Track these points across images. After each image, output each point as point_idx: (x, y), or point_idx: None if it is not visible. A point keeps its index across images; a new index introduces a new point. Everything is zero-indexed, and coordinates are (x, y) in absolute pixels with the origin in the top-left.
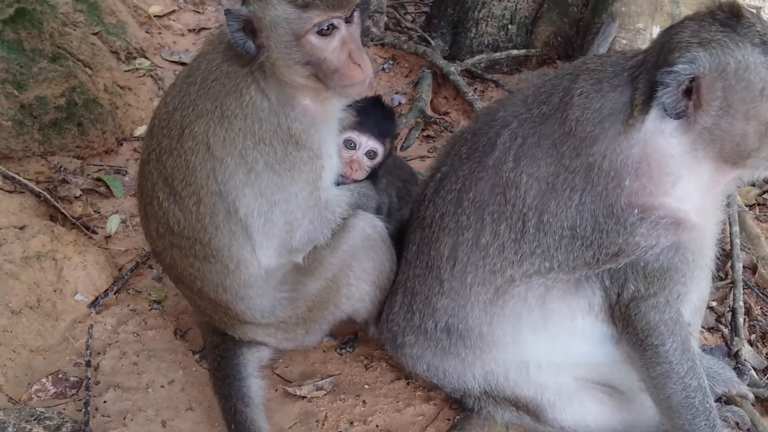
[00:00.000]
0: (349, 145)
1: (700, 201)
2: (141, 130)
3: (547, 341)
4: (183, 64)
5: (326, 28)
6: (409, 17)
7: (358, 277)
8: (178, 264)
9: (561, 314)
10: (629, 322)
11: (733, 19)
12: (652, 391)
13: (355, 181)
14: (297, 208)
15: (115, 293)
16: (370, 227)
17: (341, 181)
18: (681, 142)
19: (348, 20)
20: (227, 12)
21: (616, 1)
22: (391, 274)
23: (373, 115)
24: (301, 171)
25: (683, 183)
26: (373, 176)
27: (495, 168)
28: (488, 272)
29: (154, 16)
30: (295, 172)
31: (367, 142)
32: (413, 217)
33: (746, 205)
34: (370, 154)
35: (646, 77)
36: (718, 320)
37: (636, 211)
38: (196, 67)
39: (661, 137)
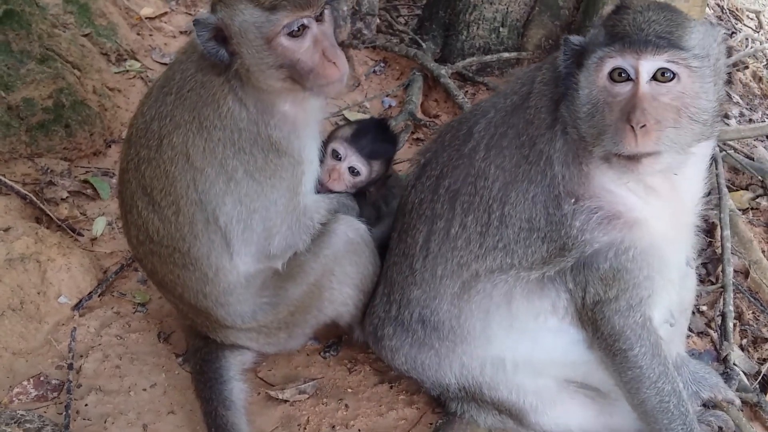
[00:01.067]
0: (335, 155)
1: (642, 198)
2: None
3: (518, 339)
4: None
5: (297, 29)
6: (401, 20)
7: (341, 282)
8: (159, 270)
9: (527, 313)
10: (597, 326)
11: None
12: (627, 396)
13: (332, 191)
14: (276, 215)
15: (99, 296)
16: (352, 231)
17: (319, 189)
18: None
19: (318, 18)
20: (196, 22)
21: (608, 4)
22: (374, 278)
23: (369, 134)
24: (282, 178)
25: (603, 173)
26: (359, 195)
27: (469, 156)
28: (456, 265)
29: (146, 18)
30: (275, 179)
31: (350, 157)
32: (400, 204)
33: (739, 209)
34: (352, 171)
35: None
36: (707, 324)
37: (572, 200)
38: (171, 77)
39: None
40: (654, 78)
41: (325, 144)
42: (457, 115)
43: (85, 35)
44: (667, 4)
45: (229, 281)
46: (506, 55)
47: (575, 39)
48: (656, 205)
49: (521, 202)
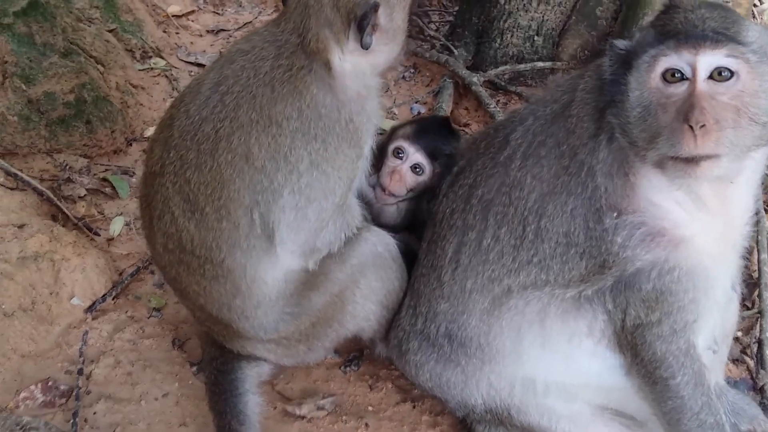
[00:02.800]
0: (397, 153)
1: (690, 214)
2: (152, 131)
3: (550, 360)
4: (199, 65)
5: None
6: (433, 26)
7: (365, 296)
8: (183, 280)
9: (561, 334)
10: (636, 352)
11: None
12: (666, 427)
13: (392, 195)
14: (331, 207)
15: (113, 298)
16: (381, 244)
17: (377, 193)
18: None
19: None
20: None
21: (647, 15)
22: (400, 295)
23: (432, 131)
24: (346, 169)
25: (649, 186)
26: (415, 199)
27: (505, 165)
28: (487, 279)
29: (173, 16)
30: (341, 171)
31: (414, 155)
32: (432, 212)
33: None
34: (416, 169)
35: None
36: (743, 351)
37: (615, 214)
38: (230, 76)
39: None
40: (711, 77)
41: (385, 145)
42: (488, 124)
43: (111, 30)
44: (717, 2)
45: (262, 293)
46: (540, 64)
47: (621, 43)
48: (704, 221)
49: (559, 215)
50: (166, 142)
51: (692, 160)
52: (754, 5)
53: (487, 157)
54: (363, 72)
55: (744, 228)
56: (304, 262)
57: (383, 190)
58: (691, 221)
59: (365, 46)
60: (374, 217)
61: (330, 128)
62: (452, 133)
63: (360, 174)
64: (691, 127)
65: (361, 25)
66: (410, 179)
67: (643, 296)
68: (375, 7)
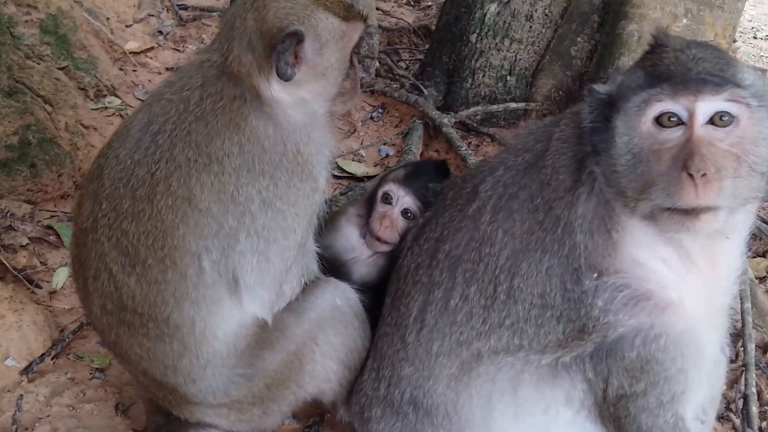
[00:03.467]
0: (386, 199)
1: (678, 275)
2: None
3: None
4: None
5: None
6: (402, 64)
7: (324, 353)
8: (124, 343)
9: (536, 404)
10: (620, 425)
11: None
12: None
13: (385, 243)
14: (293, 246)
15: (52, 358)
16: (341, 297)
17: (369, 242)
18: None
19: None
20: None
21: (624, 55)
22: (363, 353)
23: (424, 174)
24: (303, 206)
25: (634, 245)
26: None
27: (474, 219)
28: (455, 342)
29: (130, 53)
30: (297, 207)
31: (403, 199)
32: (395, 265)
33: (757, 278)
34: (407, 214)
35: None
36: (728, 407)
37: (594, 275)
38: (159, 113)
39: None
40: (709, 122)
41: (374, 192)
42: (460, 167)
43: (62, 68)
44: (706, 42)
45: (213, 349)
46: (513, 105)
47: (602, 88)
48: (693, 283)
49: (533, 275)
50: (97, 193)
51: (691, 212)
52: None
53: (455, 209)
54: (303, 100)
55: (732, 288)
56: (268, 311)
57: (374, 237)
58: (679, 282)
59: (282, 76)
60: (349, 275)
61: (277, 162)
62: (448, 177)
63: (318, 210)
64: (690, 175)
65: (278, 51)
66: (401, 224)
67: (627, 365)
68: (298, 37)
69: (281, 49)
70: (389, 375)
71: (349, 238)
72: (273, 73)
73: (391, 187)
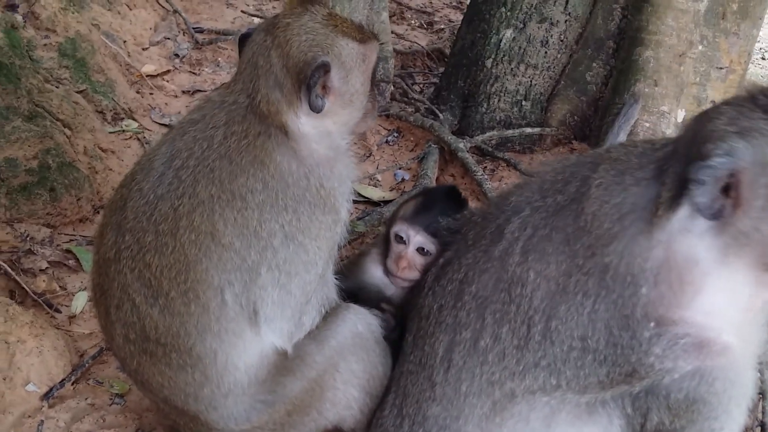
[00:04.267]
0: (399, 239)
1: (735, 318)
2: None
3: None
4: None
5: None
6: (417, 88)
7: (346, 381)
8: (146, 371)
9: None
10: None
11: None
12: None
13: (403, 280)
14: (314, 279)
15: (72, 383)
16: (362, 324)
17: (392, 280)
18: (710, 246)
19: None
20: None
21: (639, 81)
22: (384, 380)
23: (433, 206)
24: (324, 238)
25: (709, 295)
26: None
27: (501, 260)
28: (485, 382)
29: (147, 76)
30: (319, 240)
31: (415, 238)
32: (413, 303)
33: None
34: (422, 251)
35: (676, 171)
36: None
37: (652, 324)
38: (183, 148)
39: (686, 238)
40: None
41: (388, 229)
42: (475, 192)
43: (80, 92)
44: None
45: (234, 379)
46: (529, 130)
47: (721, 161)
48: (746, 325)
49: (573, 318)
50: (120, 225)
51: None
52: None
53: (479, 250)
54: (327, 133)
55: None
56: (287, 342)
57: (395, 277)
58: (736, 327)
59: (315, 109)
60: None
61: (300, 197)
62: (460, 203)
63: (339, 240)
64: None
65: (309, 85)
66: (418, 262)
67: (671, 403)
68: (325, 68)
69: (312, 82)
70: (413, 413)
71: (377, 278)
72: (302, 107)
73: (401, 227)
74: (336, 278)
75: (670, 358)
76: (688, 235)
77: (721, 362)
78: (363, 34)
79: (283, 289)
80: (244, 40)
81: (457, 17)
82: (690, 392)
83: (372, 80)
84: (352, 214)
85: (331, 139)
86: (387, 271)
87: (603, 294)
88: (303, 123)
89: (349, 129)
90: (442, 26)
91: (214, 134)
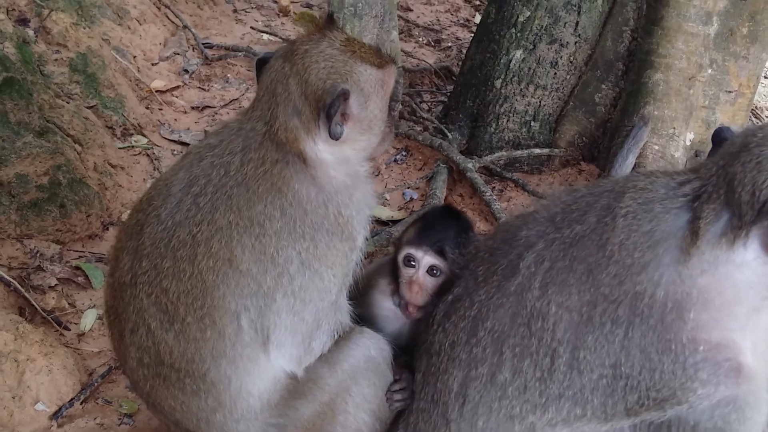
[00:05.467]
0: (409, 262)
1: (762, 344)
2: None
3: None
4: (183, 143)
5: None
6: (425, 106)
7: (357, 405)
8: (159, 395)
9: None
10: None
11: None
12: None
13: (416, 307)
14: (327, 306)
15: (81, 403)
16: (375, 349)
17: (404, 310)
18: (761, 273)
19: None
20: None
21: (649, 104)
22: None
23: (434, 225)
24: (340, 266)
25: (751, 319)
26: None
27: (517, 295)
28: (504, 417)
29: (156, 91)
30: (335, 268)
31: (425, 258)
32: (420, 340)
33: None
34: (433, 271)
35: (715, 207)
36: None
37: (702, 348)
38: (200, 175)
39: (735, 266)
40: None
41: (395, 257)
42: (484, 212)
43: (90, 107)
44: None
45: (247, 405)
46: (537, 150)
47: None
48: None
49: (603, 346)
50: (137, 250)
51: None
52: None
53: (491, 286)
54: (346, 159)
55: None
56: (297, 366)
57: (408, 304)
58: (763, 351)
59: (334, 137)
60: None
61: (318, 224)
62: (457, 219)
63: (354, 267)
64: None
65: (329, 114)
66: (430, 284)
67: (692, 429)
68: (344, 95)
69: (333, 111)
70: None
71: (387, 309)
72: (320, 135)
73: (409, 251)
74: (350, 303)
75: (713, 383)
76: (736, 262)
77: (750, 387)
78: (381, 59)
79: (296, 316)
80: (261, 64)
81: (465, 35)
82: (718, 420)
83: (390, 104)
84: (367, 239)
85: (349, 166)
86: (397, 302)
87: (637, 321)
88: (321, 150)
89: (367, 154)
90: (450, 44)
91: (230, 161)
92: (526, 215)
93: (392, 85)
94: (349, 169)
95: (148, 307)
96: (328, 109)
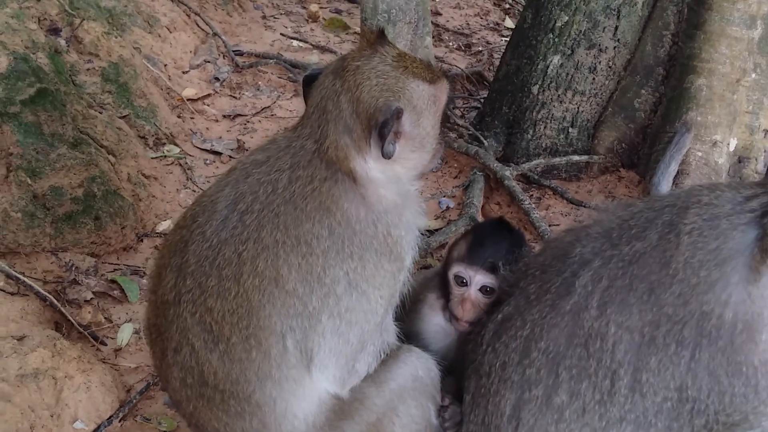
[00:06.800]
0: (460, 282)
1: None
2: (164, 225)
3: None
4: (215, 152)
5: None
6: (457, 112)
7: (404, 425)
8: (202, 416)
9: None
10: None
11: None
12: None
13: (467, 323)
14: (372, 328)
15: (120, 420)
16: (423, 369)
17: (456, 324)
18: None
19: None
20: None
21: (691, 109)
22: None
23: (486, 241)
24: (387, 287)
25: None
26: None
27: (573, 315)
28: None
29: (188, 100)
30: (383, 289)
31: (476, 278)
32: (468, 360)
33: None
34: (485, 291)
35: None
36: None
37: None
38: (247, 192)
39: None
40: None
41: (444, 272)
42: (522, 221)
43: (123, 117)
44: None
45: (293, 427)
46: (576, 158)
47: None
48: None
49: (667, 368)
50: (181, 268)
51: None
52: None
53: (544, 305)
54: (397, 178)
55: None
56: (340, 389)
57: (459, 321)
58: None
59: (387, 156)
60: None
61: (367, 244)
62: (510, 233)
63: (401, 287)
64: None
65: (382, 133)
66: (482, 301)
67: None
68: (398, 114)
69: (387, 131)
70: None
71: (437, 325)
72: (371, 153)
73: (460, 269)
74: (395, 323)
75: None
76: None
77: None
78: (433, 74)
79: (341, 338)
80: (308, 81)
81: (495, 39)
82: None
83: (442, 120)
84: (415, 259)
85: (399, 185)
86: (448, 317)
87: (705, 342)
88: (372, 168)
89: (418, 172)
90: (480, 48)
91: (278, 178)
92: (577, 230)
93: (444, 101)
94: (400, 188)
95: (192, 327)
96: (381, 128)
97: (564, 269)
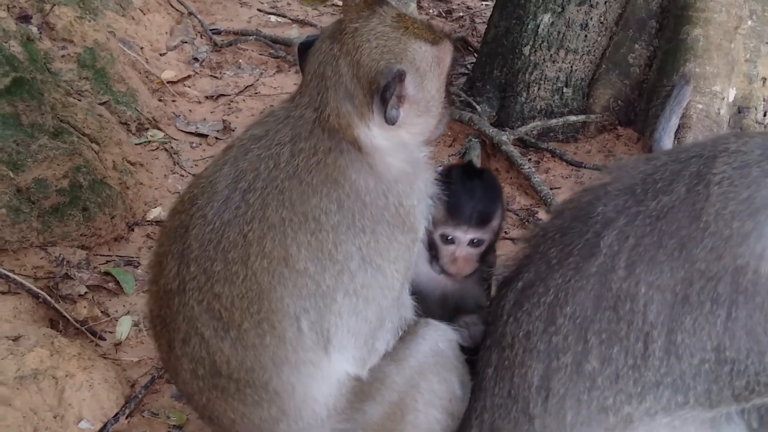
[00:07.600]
0: (446, 239)
1: None
2: (155, 213)
3: None
4: (200, 135)
5: None
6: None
7: (428, 402)
8: (216, 408)
9: None
10: None
11: None
12: None
13: (463, 274)
14: (390, 303)
15: (126, 417)
16: (443, 341)
17: (439, 271)
18: None
19: None
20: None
21: (689, 61)
22: (465, 400)
23: (464, 195)
24: (402, 260)
25: None
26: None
27: (599, 276)
28: (596, 409)
29: (168, 82)
30: (398, 262)
31: (465, 236)
32: (488, 333)
33: None
34: (475, 243)
35: None
36: None
37: None
38: (248, 169)
39: None
40: None
41: (431, 237)
42: (522, 186)
43: (103, 103)
44: None
45: (313, 413)
46: (573, 118)
47: None
48: None
49: (703, 328)
50: (183, 254)
51: None
52: None
53: (567, 268)
54: (403, 145)
55: None
56: (361, 369)
57: (455, 275)
58: None
59: (390, 121)
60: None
61: (378, 217)
62: (480, 176)
63: (416, 259)
64: None
65: (384, 97)
66: (474, 253)
67: None
68: (400, 77)
69: (389, 95)
70: None
71: (427, 276)
72: (375, 119)
73: (445, 230)
74: (412, 297)
75: None
76: None
77: None
78: (435, 35)
79: (359, 316)
80: (303, 49)
81: (475, 3)
82: None
83: (446, 83)
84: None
85: (407, 152)
86: (438, 270)
87: (741, 299)
88: (376, 136)
89: (425, 138)
90: (461, 14)
91: (280, 152)
92: (595, 189)
93: (448, 63)
94: (408, 156)
95: (200, 315)
96: (383, 92)
97: (586, 230)
